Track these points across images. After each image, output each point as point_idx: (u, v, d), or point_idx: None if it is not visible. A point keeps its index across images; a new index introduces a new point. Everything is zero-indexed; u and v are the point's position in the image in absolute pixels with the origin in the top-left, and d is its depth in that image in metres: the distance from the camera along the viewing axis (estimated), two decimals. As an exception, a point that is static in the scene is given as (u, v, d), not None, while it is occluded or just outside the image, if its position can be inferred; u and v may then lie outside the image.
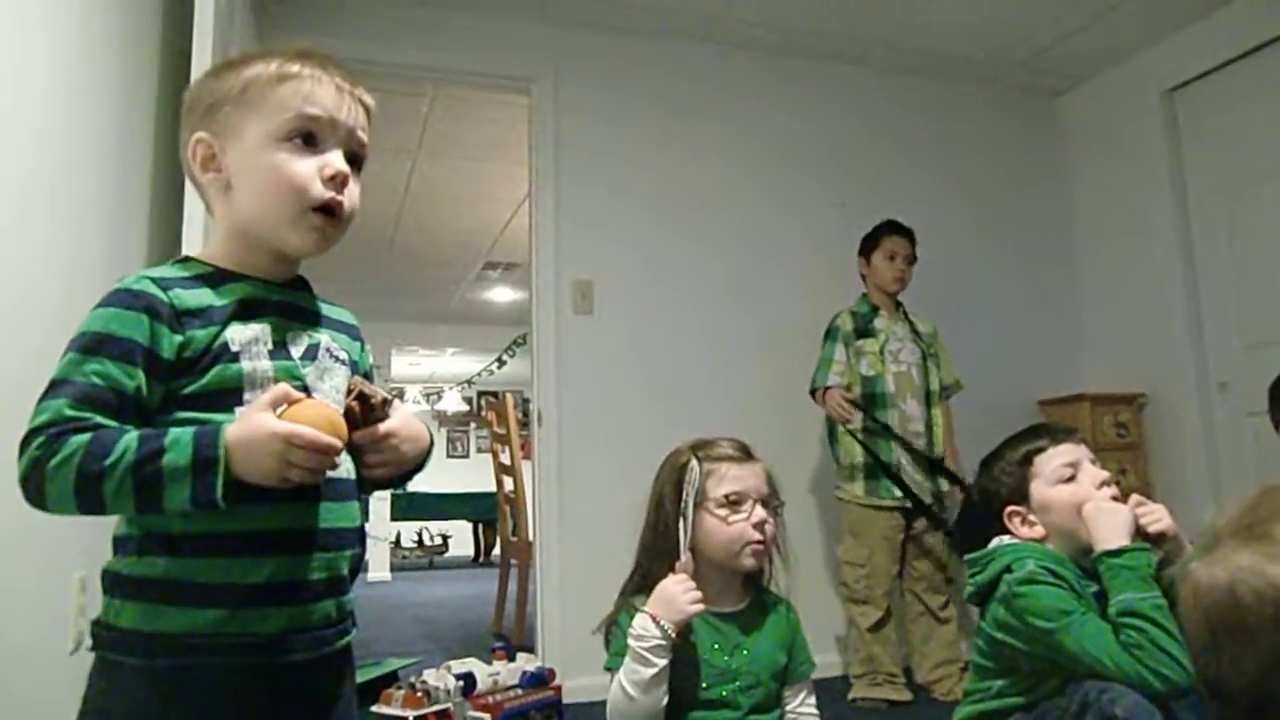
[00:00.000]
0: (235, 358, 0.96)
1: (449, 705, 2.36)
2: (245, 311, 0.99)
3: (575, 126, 3.46)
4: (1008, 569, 1.56)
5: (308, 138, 1.01)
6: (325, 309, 1.11)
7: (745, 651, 1.51)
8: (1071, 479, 1.59)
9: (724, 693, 1.47)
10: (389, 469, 1.04)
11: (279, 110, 1.00)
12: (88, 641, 0.95)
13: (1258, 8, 3.34)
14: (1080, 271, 4.10)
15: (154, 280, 0.96)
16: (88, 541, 1.75)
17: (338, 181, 1.02)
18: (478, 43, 3.40)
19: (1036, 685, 1.52)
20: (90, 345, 0.91)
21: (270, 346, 0.99)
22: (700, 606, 1.42)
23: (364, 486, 1.06)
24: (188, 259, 1.04)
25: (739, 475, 1.54)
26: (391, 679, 2.67)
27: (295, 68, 1.02)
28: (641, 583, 1.53)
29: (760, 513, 1.52)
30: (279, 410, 0.90)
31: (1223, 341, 3.55)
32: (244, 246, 1.03)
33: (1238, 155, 3.50)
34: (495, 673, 2.56)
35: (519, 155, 3.89)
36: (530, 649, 3.20)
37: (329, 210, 1.01)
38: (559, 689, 2.65)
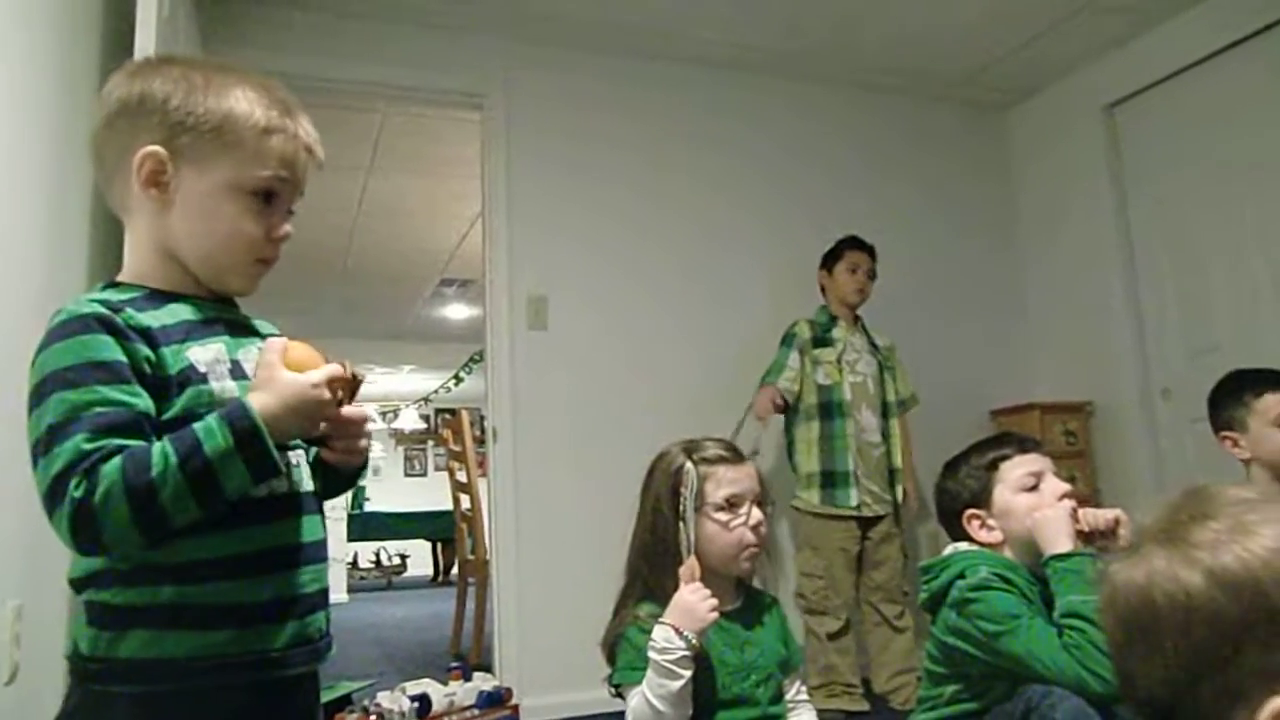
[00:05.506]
0: (204, 378, 0.95)
1: (404, 728, 2.33)
2: (198, 331, 0.98)
3: (528, 142, 3.46)
4: (960, 575, 1.58)
5: (268, 195, 1.00)
6: (256, 323, 1.11)
7: (753, 646, 1.52)
8: (1034, 488, 1.62)
9: (742, 690, 1.47)
10: (353, 457, 1.06)
11: (255, 164, 0.99)
12: (56, 677, 0.93)
13: (1194, 25, 3.44)
14: (1029, 283, 4.18)
15: (100, 302, 0.93)
16: (20, 569, 1.70)
17: (280, 239, 1.03)
18: (428, 59, 3.38)
19: (987, 691, 1.54)
20: (73, 379, 0.87)
21: (229, 366, 0.98)
22: (717, 614, 1.42)
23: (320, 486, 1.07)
24: (118, 283, 1.01)
25: (735, 478, 1.54)
26: (344, 703, 2.62)
27: (280, 123, 1.01)
28: (643, 592, 1.52)
29: (757, 514, 1.53)
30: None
31: (1165, 350, 3.64)
32: (174, 267, 1.01)
33: (1176, 168, 3.59)
34: (451, 693, 2.53)
35: (473, 171, 3.88)
36: (489, 668, 3.17)
37: (265, 261, 1.04)
38: (516, 708, 2.63)
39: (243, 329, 1.06)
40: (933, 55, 3.81)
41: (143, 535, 0.86)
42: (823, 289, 3.30)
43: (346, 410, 1.01)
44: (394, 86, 3.44)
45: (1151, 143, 3.70)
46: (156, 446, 0.87)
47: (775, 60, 3.78)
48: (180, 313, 0.98)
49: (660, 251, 3.58)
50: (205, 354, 0.96)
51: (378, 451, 12.03)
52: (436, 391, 10.86)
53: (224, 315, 1.04)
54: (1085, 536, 1.56)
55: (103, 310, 0.91)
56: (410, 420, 11.79)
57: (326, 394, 0.94)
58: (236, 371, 0.98)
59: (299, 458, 1.03)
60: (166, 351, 0.94)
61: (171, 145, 0.97)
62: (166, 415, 0.92)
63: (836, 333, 3.20)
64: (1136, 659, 0.62)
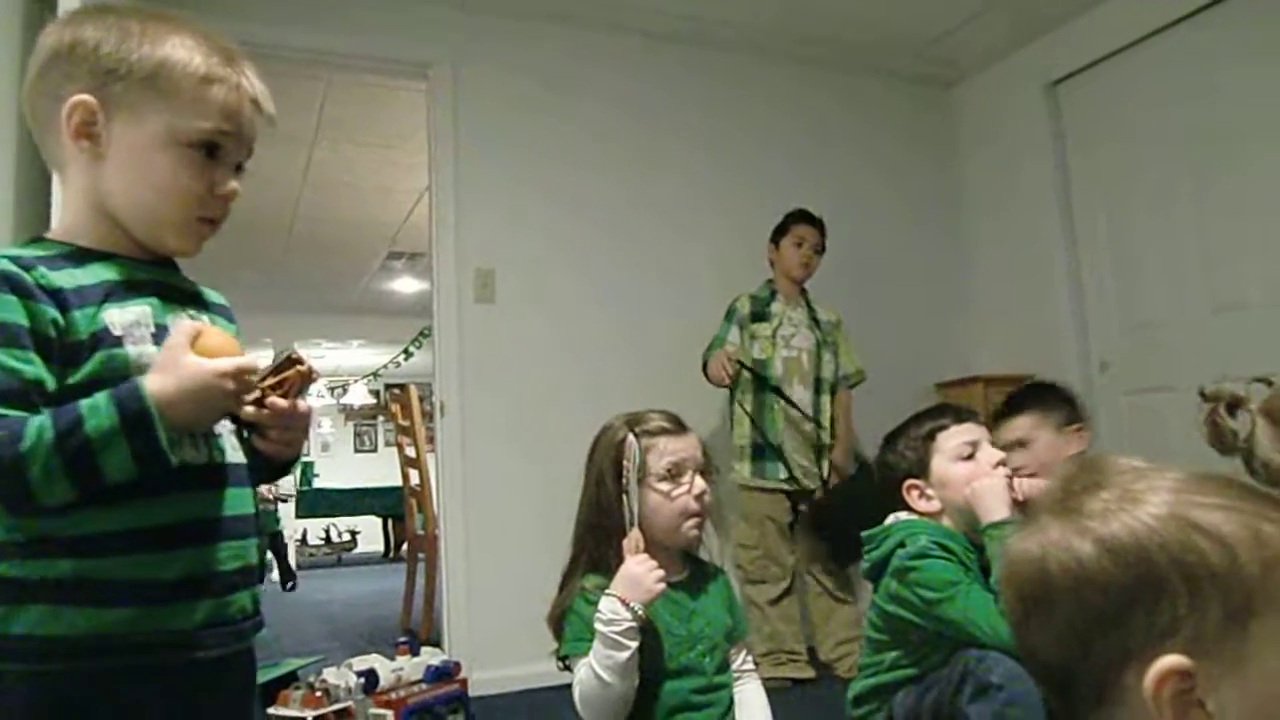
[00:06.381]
0: (119, 342, 0.89)
1: (350, 703, 2.30)
2: (120, 292, 0.92)
3: (475, 113, 3.40)
4: (901, 544, 1.61)
5: (210, 148, 0.96)
6: (205, 292, 1.06)
7: (699, 616, 1.53)
8: (970, 457, 1.66)
9: (689, 660, 1.49)
10: (288, 450, 1.02)
11: (194, 115, 0.94)
12: None
13: (1136, 2, 3.49)
14: (973, 258, 4.23)
15: (11, 259, 0.88)
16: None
17: (225, 197, 0.99)
18: (373, 26, 3.30)
19: (926, 657, 1.57)
20: None
21: (153, 330, 0.92)
22: (664, 585, 1.43)
23: (253, 470, 1.03)
24: (40, 239, 0.97)
25: (677, 447, 1.55)
26: (290, 679, 2.60)
27: (222, 72, 0.96)
28: (590, 564, 1.53)
29: (700, 483, 1.54)
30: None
31: (1103, 323, 3.72)
32: (107, 224, 0.96)
33: (1116, 145, 3.65)
34: (399, 668, 2.51)
35: (421, 144, 3.82)
36: (439, 643, 3.16)
37: (210, 220, 0.99)
38: (465, 682, 2.62)
39: (182, 294, 1.01)
40: (879, 32, 3.82)
41: (7, 508, 0.82)
42: (771, 263, 3.32)
43: (293, 404, 0.97)
44: (336, 54, 3.36)
45: (1093, 120, 3.76)
46: (35, 419, 0.81)
47: (724, 35, 3.76)
48: (103, 273, 0.92)
49: (607, 225, 3.56)
50: (124, 316, 0.91)
51: (326, 427, 11.89)
52: (386, 366, 10.74)
53: (159, 278, 0.98)
54: (1020, 505, 1.60)
55: (10, 268, 0.87)
56: (360, 395, 11.67)
57: (231, 385, 0.88)
58: (161, 336, 0.92)
59: (223, 428, 0.99)
60: (78, 315, 0.88)
61: (103, 94, 0.92)
62: (73, 379, 0.87)
63: (775, 307, 3.23)
64: (1034, 628, 0.64)
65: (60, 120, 0.93)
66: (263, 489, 6.54)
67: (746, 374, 3.14)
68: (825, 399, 3.21)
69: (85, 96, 0.92)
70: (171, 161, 0.94)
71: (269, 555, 6.88)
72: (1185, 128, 3.37)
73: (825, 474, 3.16)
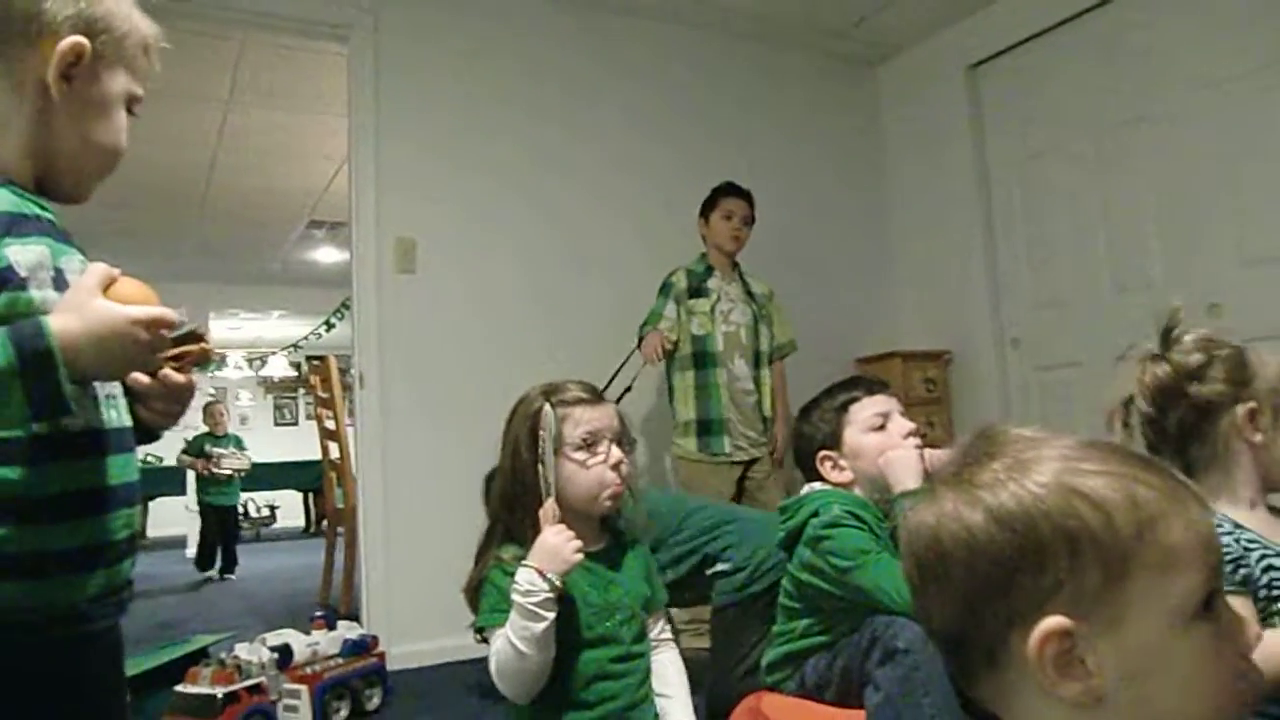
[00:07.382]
0: (24, 284, 0.82)
1: (263, 679, 2.26)
2: (20, 226, 0.85)
3: (396, 78, 3.32)
4: (815, 514, 1.64)
5: (131, 104, 0.99)
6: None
7: (617, 586, 1.53)
8: (882, 428, 1.69)
9: (606, 629, 1.48)
10: (169, 421, 0.98)
11: (138, 78, 0.98)
12: None
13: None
14: (895, 237, 4.31)
15: None
16: None
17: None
18: (290, -16, 3.20)
19: (837, 624, 1.61)
20: None
21: (52, 273, 0.86)
22: (582, 555, 1.41)
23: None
24: None
25: (592, 416, 1.54)
26: (200, 656, 2.54)
27: (158, 41, 1.00)
28: (506, 535, 1.51)
29: (616, 452, 1.53)
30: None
31: (1016, 300, 3.84)
32: (7, 152, 0.89)
33: (1031, 127, 3.75)
34: (314, 643, 2.47)
35: (342, 108, 3.71)
36: (358, 618, 3.12)
37: None
38: (382, 655, 2.60)
39: (63, 234, 0.94)
40: (804, 7, 3.84)
41: None
42: (703, 238, 3.33)
43: (189, 380, 0.93)
44: (250, 12, 3.23)
45: (1010, 103, 3.85)
46: None
47: (653, 6, 3.73)
48: (1, 201, 0.85)
49: (533, 198, 3.52)
50: (27, 255, 0.83)
51: (245, 400, 11.57)
52: (307, 338, 10.49)
53: (47, 215, 0.92)
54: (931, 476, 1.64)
55: None
56: (280, 368, 11.38)
57: (145, 335, 0.81)
58: (60, 282, 0.87)
59: (115, 389, 0.94)
60: None
61: (94, 43, 0.91)
62: None
63: (712, 283, 3.24)
64: (931, 595, 0.66)
65: (29, 53, 0.88)
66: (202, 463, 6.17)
67: (687, 351, 3.16)
68: (765, 372, 3.26)
69: (82, 40, 0.90)
70: (121, 119, 0.96)
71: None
72: (1094, 113, 3.47)
73: (769, 445, 3.21)
